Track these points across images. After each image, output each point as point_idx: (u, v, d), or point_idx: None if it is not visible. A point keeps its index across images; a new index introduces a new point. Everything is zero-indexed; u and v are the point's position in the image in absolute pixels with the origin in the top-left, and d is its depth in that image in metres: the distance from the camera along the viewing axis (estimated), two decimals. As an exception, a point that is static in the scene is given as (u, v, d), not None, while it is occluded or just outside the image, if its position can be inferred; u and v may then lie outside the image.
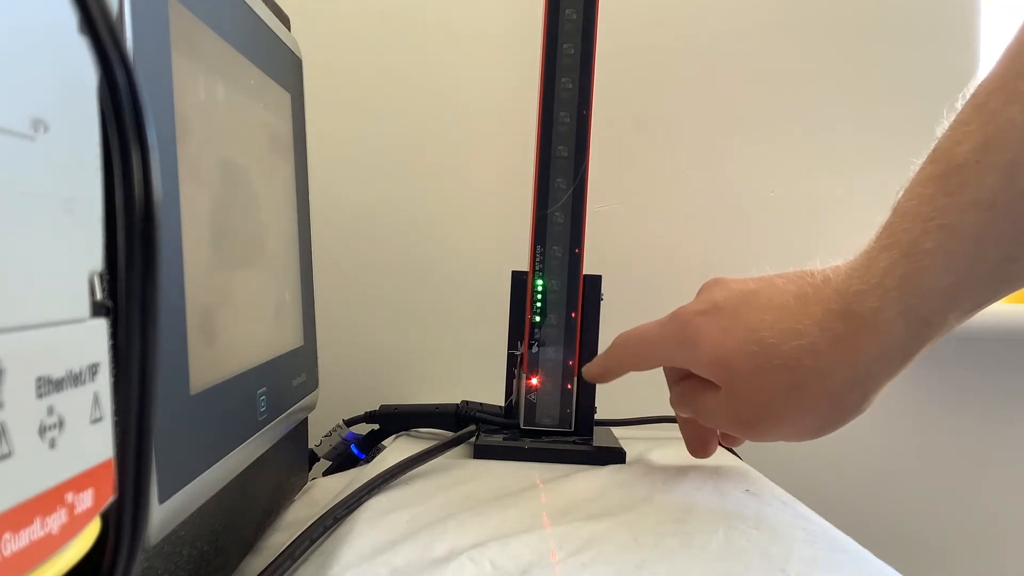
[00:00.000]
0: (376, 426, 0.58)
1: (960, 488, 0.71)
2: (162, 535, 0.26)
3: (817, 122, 0.70)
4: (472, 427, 0.51)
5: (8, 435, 0.13)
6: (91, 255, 0.16)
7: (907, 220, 0.33)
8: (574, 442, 0.49)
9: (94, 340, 0.16)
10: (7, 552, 0.13)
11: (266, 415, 0.37)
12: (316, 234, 0.49)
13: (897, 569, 0.31)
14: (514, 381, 0.51)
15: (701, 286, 0.42)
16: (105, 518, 0.16)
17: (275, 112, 0.41)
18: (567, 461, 0.47)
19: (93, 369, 0.16)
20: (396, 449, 0.51)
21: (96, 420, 0.16)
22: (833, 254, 0.37)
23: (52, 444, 0.14)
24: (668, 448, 0.51)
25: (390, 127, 0.68)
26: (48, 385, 0.14)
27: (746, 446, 0.54)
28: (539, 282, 0.50)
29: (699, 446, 0.45)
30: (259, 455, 0.36)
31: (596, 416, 0.51)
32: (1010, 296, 0.72)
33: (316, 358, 0.49)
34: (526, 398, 0.50)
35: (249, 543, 0.39)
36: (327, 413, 0.56)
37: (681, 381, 0.43)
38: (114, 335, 0.16)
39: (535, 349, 0.50)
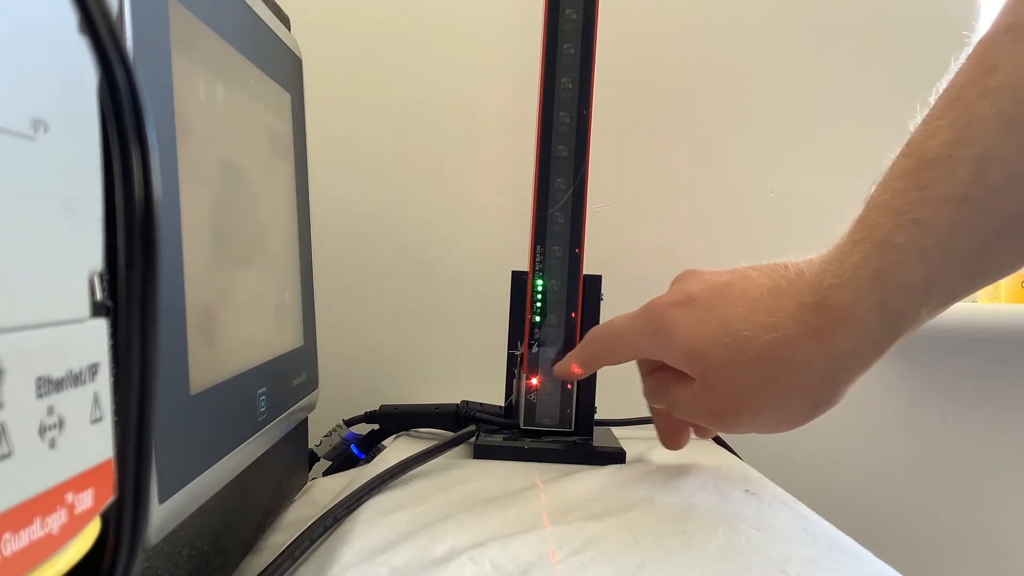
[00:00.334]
0: (376, 426, 0.58)
1: (960, 488, 0.71)
2: (162, 535, 0.26)
3: (817, 122, 0.70)
4: (472, 427, 0.51)
5: (8, 435, 0.13)
6: (91, 255, 0.16)
7: (880, 214, 0.33)
8: (574, 442, 0.49)
9: (94, 340, 0.16)
10: (7, 552, 0.13)
11: (266, 415, 0.37)
12: (316, 234, 0.49)
13: (897, 569, 0.31)
14: (514, 381, 0.51)
15: (675, 277, 0.42)
16: (105, 518, 0.16)
17: (275, 112, 0.41)
18: (567, 461, 0.47)
19: (93, 369, 0.16)
20: (396, 449, 0.51)
21: (96, 420, 0.16)
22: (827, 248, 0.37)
23: (52, 444, 0.14)
24: (668, 448, 0.51)
25: (390, 127, 0.68)
26: (48, 385, 0.14)
27: (747, 446, 0.54)
28: (539, 282, 0.50)
29: (671, 437, 0.45)
30: (259, 455, 0.36)
31: (596, 416, 0.51)
32: (1010, 296, 0.72)
33: (316, 358, 0.49)
34: (526, 398, 0.50)
35: (249, 543, 0.39)
36: (327, 413, 0.56)
37: (654, 373, 0.43)
38: (114, 335, 0.16)
39: (535, 349, 0.50)
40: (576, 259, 0.50)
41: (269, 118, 0.40)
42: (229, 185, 0.33)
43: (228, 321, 0.33)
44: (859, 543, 0.34)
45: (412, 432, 0.56)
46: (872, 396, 0.70)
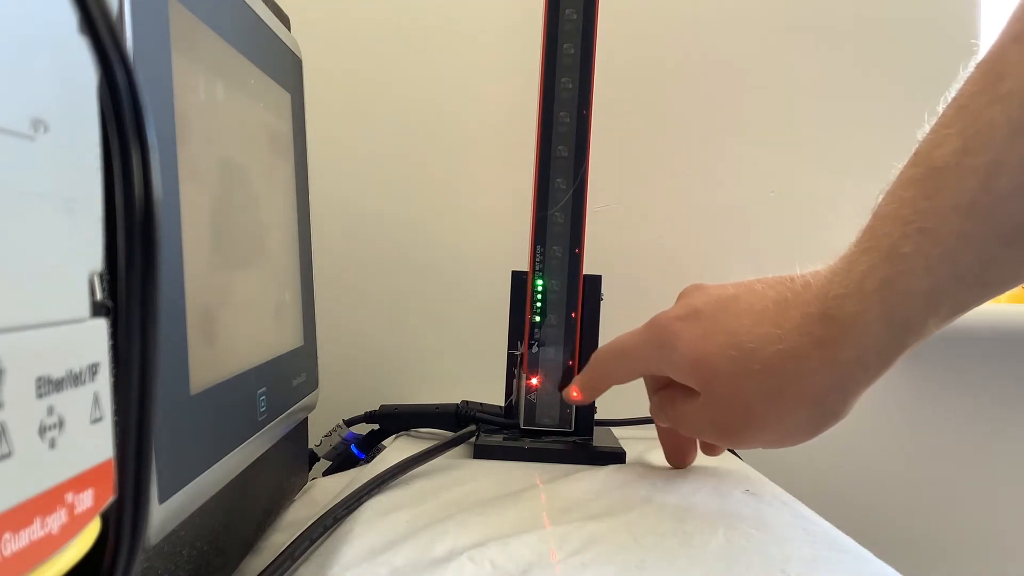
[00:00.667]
0: (376, 426, 0.58)
1: (960, 488, 0.71)
2: (162, 535, 0.26)
3: (817, 122, 0.70)
4: (472, 427, 0.51)
5: (8, 435, 0.13)
6: (91, 255, 0.16)
7: (887, 224, 0.33)
8: (574, 442, 0.49)
9: (94, 340, 0.16)
10: (7, 552, 0.13)
11: (266, 415, 0.37)
12: (316, 234, 0.49)
13: (897, 569, 0.31)
14: (514, 381, 0.51)
15: (681, 292, 0.42)
16: (105, 518, 0.16)
17: (275, 112, 0.41)
18: (567, 461, 0.47)
19: (93, 369, 0.16)
20: (396, 449, 0.51)
21: (96, 420, 0.16)
22: (833, 254, 0.37)
23: (52, 444, 0.14)
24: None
25: (390, 127, 0.68)
26: (48, 385, 0.14)
27: (746, 446, 0.54)
28: (539, 282, 0.50)
29: (677, 455, 0.46)
30: (259, 455, 0.36)
31: (596, 416, 0.51)
32: (1010, 296, 0.72)
33: (316, 358, 0.49)
34: (526, 398, 0.50)
35: (249, 543, 0.39)
36: (327, 413, 0.56)
37: (661, 390, 0.43)
38: (114, 335, 0.16)
39: (535, 349, 0.50)
40: (576, 259, 0.50)
41: (269, 118, 0.40)
42: (229, 185, 0.33)
43: (228, 321, 0.33)
44: (859, 543, 0.34)
45: (412, 432, 0.56)
46: (872, 396, 0.70)
